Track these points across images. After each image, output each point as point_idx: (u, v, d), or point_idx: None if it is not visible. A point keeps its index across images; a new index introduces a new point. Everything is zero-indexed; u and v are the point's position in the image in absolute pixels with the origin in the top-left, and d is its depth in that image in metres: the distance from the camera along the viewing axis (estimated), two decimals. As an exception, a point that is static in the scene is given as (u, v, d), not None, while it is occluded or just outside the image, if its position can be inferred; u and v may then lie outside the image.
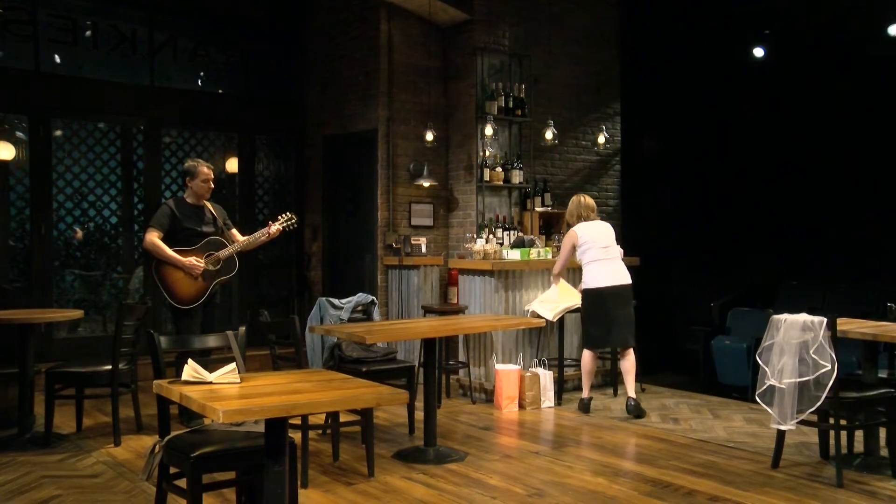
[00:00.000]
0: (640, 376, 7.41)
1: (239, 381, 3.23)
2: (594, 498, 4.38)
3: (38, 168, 7.81)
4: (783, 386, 4.66)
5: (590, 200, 6.63)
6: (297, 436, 3.92)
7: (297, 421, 4.56)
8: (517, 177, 8.17)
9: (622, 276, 6.41)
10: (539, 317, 6.74)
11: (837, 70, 9.54)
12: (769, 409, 4.79)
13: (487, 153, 8.04)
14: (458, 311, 7.03)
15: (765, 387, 4.79)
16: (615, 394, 7.17)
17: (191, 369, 3.22)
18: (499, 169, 8.04)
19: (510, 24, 8.36)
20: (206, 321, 6.00)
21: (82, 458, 5.13)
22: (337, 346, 5.61)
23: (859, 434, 5.02)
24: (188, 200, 6.08)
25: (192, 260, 5.88)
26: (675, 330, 10.96)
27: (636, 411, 6.25)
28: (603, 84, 9.35)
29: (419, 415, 5.40)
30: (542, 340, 7.10)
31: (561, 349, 6.97)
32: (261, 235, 6.06)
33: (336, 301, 5.97)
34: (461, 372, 7.19)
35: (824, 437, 5.10)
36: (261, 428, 3.28)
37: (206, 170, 6.05)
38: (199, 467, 3.27)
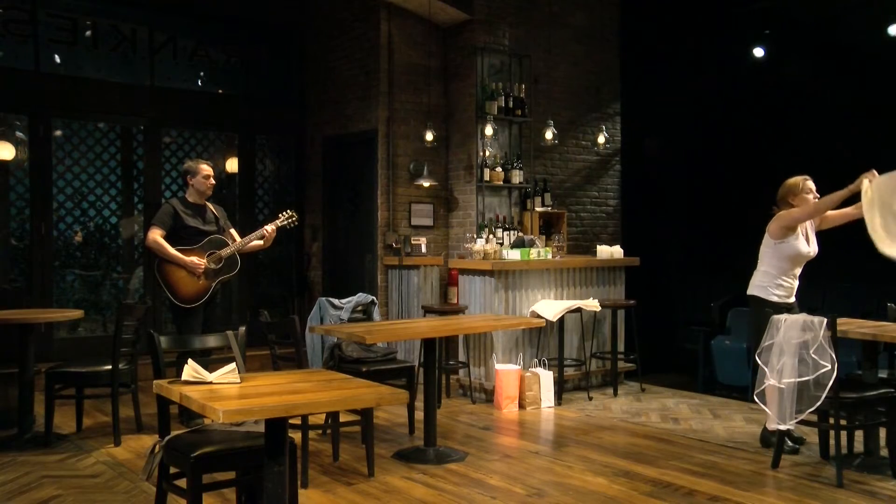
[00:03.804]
0: (640, 376, 7.45)
1: (239, 381, 3.23)
2: (594, 498, 4.38)
3: (38, 168, 7.81)
4: (782, 386, 4.67)
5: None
6: (297, 436, 3.91)
7: (297, 421, 4.56)
8: (517, 177, 8.17)
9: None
10: (539, 317, 6.74)
11: (837, 70, 9.54)
12: (767, 410, 4.80)
13: (487, 153, 8.05)
14: (458, 311, 7.03)
15: (763, 386, 4.79)
16: (615, 394, 7.17)
17: (191, 369, 3.22)
18: (499, 169, 8.04)
19: (510, 24, 8.37)
20: (207, 320, 6.00)
21: (82, 458, 5.13)
22: (337, 346, 5.61)
23: (859, 434, 5.02)
24: (190, 199, 6.08)
25: (194, 259, 5.88)
26: (675, 330, 10.97)
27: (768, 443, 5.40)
28: (603, 84, 9.35)
29: (419, 415, 5.40)
30: (542, 340, 7.10)
31: (561, 349, 6.97)
32: (257, 237, 6.04)
33: (336, 301, 5.97)
34: (461, 372, 7.19)
35: (824, 437, 5.10)
36: (261, 428, 3.28)
37: (205, 167, 6.07)
38: (199, 467, 3.27)
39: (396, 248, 7.96)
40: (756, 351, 5.20)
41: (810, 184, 5.37)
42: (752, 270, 5.49)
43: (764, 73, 10.11)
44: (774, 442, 5.10)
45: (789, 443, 5.24)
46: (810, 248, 5.39)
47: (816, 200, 5.25)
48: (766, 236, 5.40)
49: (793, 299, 5.38)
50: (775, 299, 5.29)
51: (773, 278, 5.33)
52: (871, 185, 4.88)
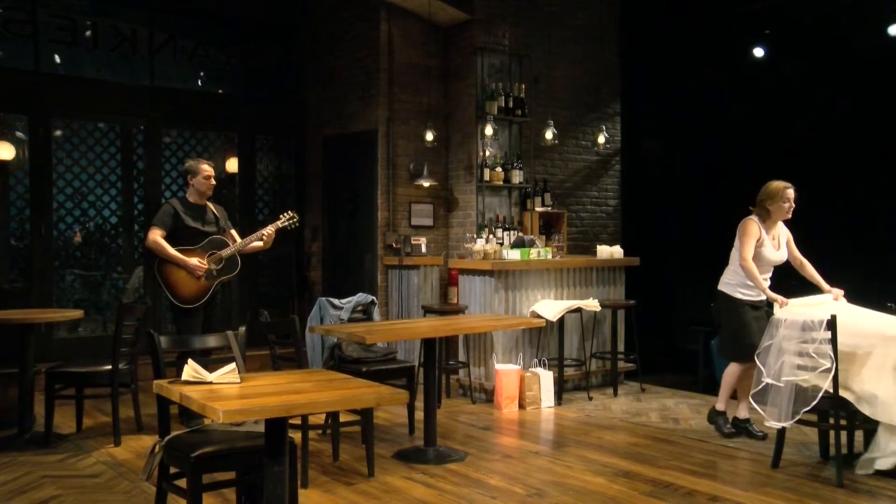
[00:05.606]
0: (640, 376, 7.45)
1: (239, 381, 3.23)
2: (594, 498, 4.38)
3: (38, 168, 7.81)
4: (780, 384, 4.67)
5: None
6: (297, 436, 3.91)
7: (297, 421, 4.56)
8: (517, 177, 8.17)
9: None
10: (539, 316, 6.74)
11: (837, 70, 9.54)
12: (760, 410, 4.80)
13: (487, 153, 8.05)
14: (458, 311, 7.03)
15: (761, 386, 4.79)
16: (615, 394, 7.17)
17: (191, 369, 3.22)
18: (499, 169, 8.04)
19: (510, 24, 8.37)
20: (207, 320, 6.00)
21: (82, 458, 5.13)
22: (337, 346, 5.61)
23: (859, 434, 5.02)
24: (190, 199, 6.08)
25: (194, 259, 5.88)
26: (675, 330, 10.96)
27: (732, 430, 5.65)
28: (603, 84, 9.36)
29: (419, 415, 5.40)
30: (542, 340, 7.10)
31: (561, 349, 6.97)
32: (257, 238, 6.04)
33: (336, 301, 5.97)
34: (461, 372, 7.19)
35: (824, 437, 5.10)
36: (261, 428, 3.28)
37: (206, 167, 6.06)
38: (199, 467, 3.27)
39: (396, 248, 7.96)
40: (719, 341, 5.32)
41: (790, 192, 5.44)
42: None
43: (764, 73, 10.10)
44: (716, 421, 5.67)
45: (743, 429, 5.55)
46: (779, 256, 5.50)
47: (755, 272, 5.30)
48: (737, 238, 5.52)
49: (762, 297, 5.43)
50: (741, 297, 5.46)
51: (742, 278, 5.47)
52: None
